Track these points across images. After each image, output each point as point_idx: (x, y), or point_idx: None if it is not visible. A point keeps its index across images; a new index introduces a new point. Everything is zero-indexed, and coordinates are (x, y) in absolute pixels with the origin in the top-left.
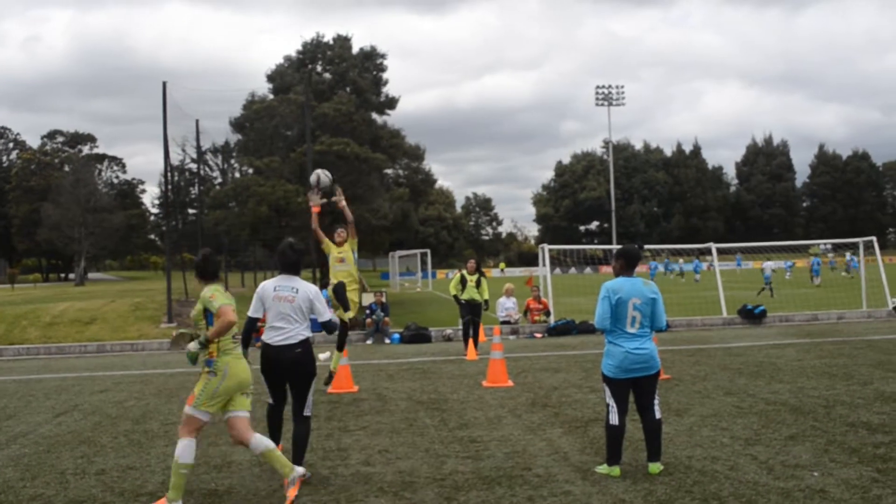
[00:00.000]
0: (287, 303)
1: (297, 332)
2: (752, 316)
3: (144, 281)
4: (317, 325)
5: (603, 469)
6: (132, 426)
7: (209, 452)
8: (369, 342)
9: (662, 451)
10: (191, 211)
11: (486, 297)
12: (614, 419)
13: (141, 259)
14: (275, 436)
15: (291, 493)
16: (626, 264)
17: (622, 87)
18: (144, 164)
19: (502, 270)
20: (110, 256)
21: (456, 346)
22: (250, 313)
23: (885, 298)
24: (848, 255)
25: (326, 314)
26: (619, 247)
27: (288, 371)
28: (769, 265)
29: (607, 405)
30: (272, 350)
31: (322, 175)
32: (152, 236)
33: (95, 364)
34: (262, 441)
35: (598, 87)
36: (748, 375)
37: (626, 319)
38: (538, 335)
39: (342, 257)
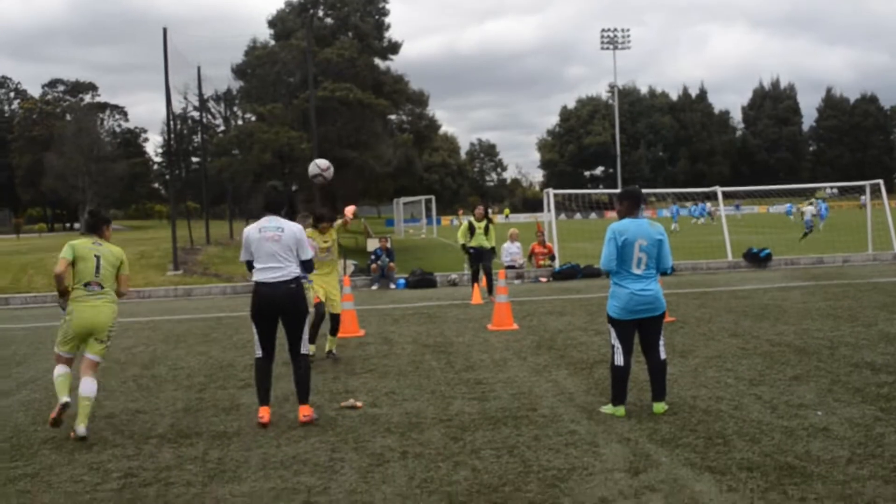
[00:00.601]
0: (274, 242)
1: (289, 269)
2: (757, 259)
3: (149, 230)
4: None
5: (608, 409)
6: (140, 371)
7: (217, 396)
8: (374, 287)
9: (667, 391)
10: (194, 159)
11: (493, 244)
12: (619, 360)
13: (145, 208)
14: (264, 394)
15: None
16: (631, 205)
17: (628, 30)
18: (147, 113)
19: (507, 216)
20: (114, 206)
21: (461, 290)
22: (241, 258)
23: (891, 241)
24: (816, 202)
25: (310, 253)
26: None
27: (281, 307)
28: (810, 209)
29: (612, 346)
30: (265, 287)
31: (312, 167)
32: (156, 185)
33: None
34: (86, 386)
35: (603, 30)
36: (753, 317)
37: (631, 261)
38: (543, 279)
39: (328, 247)
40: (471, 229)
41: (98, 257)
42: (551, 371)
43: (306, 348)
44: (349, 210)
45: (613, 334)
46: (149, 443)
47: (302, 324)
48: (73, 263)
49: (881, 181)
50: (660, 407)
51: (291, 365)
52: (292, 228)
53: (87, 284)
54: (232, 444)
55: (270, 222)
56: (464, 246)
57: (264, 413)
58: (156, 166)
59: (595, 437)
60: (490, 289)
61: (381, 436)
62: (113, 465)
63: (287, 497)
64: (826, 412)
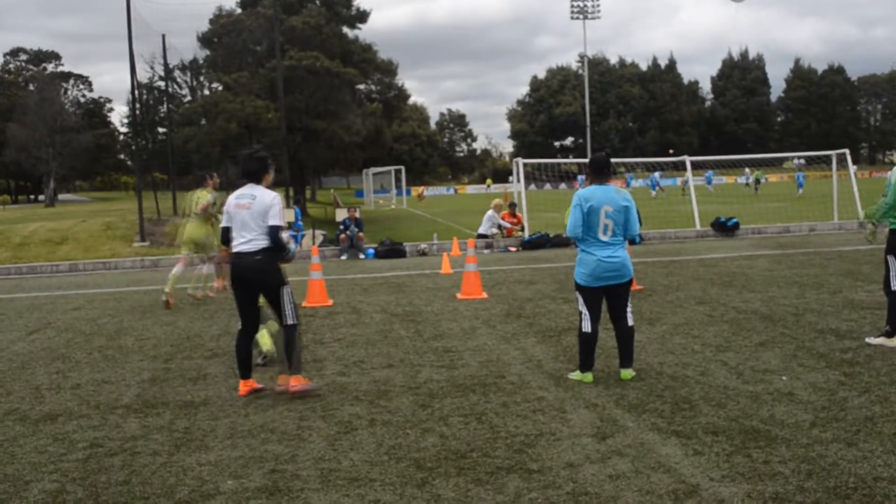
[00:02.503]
0: (245, 210)
1: (256, 239)
2: (725, 228)
3: (115, 201)
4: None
5: (576, 375)
6: (106, 342)
7: (184, 366)
8: (344, 257)
9: (634, 357)
10: (161, 129)
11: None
12: (587, 326)
13: (111, 179)
14: (242, 368)
15: None
16: (594, 172)
17: (598, 0)
18: (112, 83)
19: (489, 186)
20: (80, 177)
21: (430, 260)
22: (222, 224)
23: (857, 211)
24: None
25: (275, 220)
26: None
27: (251, 280)
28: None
29: (580, 313)
30: (235, 257)
31: None
32: (122, 156)
33: (68, 283)
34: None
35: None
36: (720, 285)
37: (598, 227)
38: (512, 249)
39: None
40: None
41: None
42: (520, 339)
43: (292, 318)
44: None
45: (581, 301)
46: (115, 413)
47: (277, 295)
48: None
49: (847, 151)
50: (627, 373)
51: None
52: (265, 197)
53: None
54: (199, 414)
55: (246, 190)
56: None
57: (243, 386)
58: (122, 137)
59: (563, 404)
60: None
61: (350, 404)
62: (78, 435)
63: (254, 465)
64: (791, 377)
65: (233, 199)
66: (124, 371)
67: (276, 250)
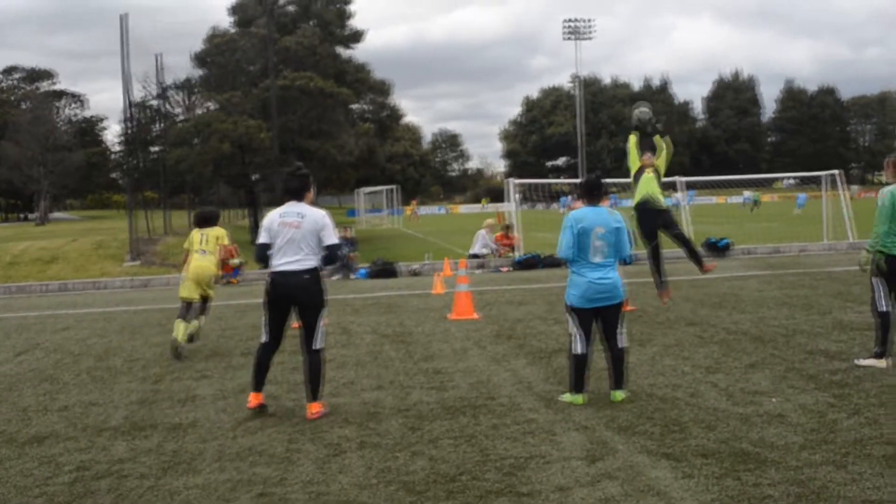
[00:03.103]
0: (293, 228)
1: (305, 258)
2: (716, 248)
3: (107, 220)
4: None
5: (567, 397)
6: (95, 363)
7: (173, 388)
8: (335, 277)
9: (626, 379)
10: (153, 148)
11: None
12: (578, 348)
13: (103, 198)
14: (259, 379)
15: None
16: (586, 193)
17: (591, 20)
18: (108, 101)
19: (484, 206)
20: (71, 195)
21: (422, 280)
22: (259, 241)
23: (847, 231)
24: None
25: (332, 238)
26: None
27: (294, 298)
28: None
29: (571, 335)
30: (278, 276)
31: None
32: (114, 175)
33: (57, 302)
34: None
35: (565, 20)
36: (710, 306)
37: (589, 249)
38: (504, 269)
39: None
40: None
41: None
42: (510, 360)
43: (321, 343)
44: None
45: (572, 323)
46: (102, 435)
47: (316, 316)
48: None
49: (838, 172)
50: (618, 395)
51: (303, 356)
52: (314, 215)
53: None
54: (187, 436)
55: (291, 208)
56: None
57: (253, 399)
58: (114, 156)
59: (553, 426)
60: (697, 260)
61: (339, 426)
62: (65, 458)
63: (243, 488)
64: (781, 399)
65: (276, 216)
66: (113, 392)
67: (318, 272)
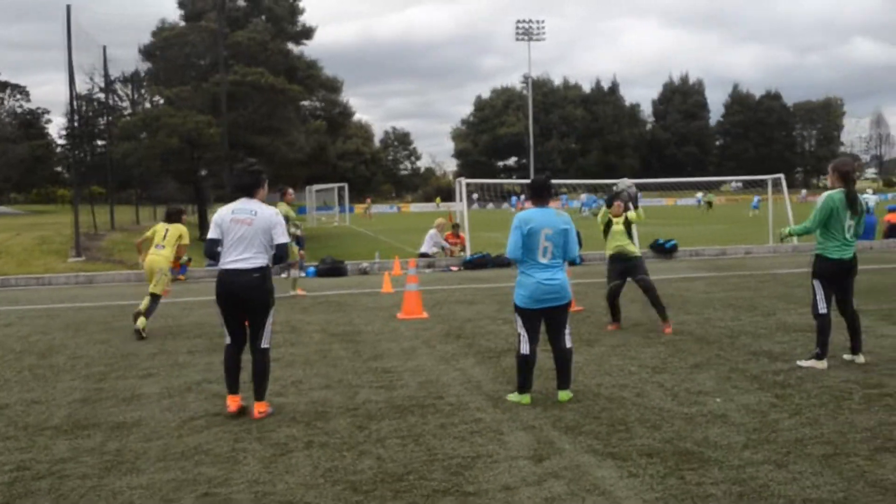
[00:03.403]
0: (245, 225)
1: (255, 256)
2: (663, 250)
3: (51, 214)
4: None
5: (513, 397)
6: (37, 360)
7: (117, 386)
8: (284, 276)
9: (572, 379)
10: (99, 142)
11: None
12: (525, 348)
13: (48, 192)
14: (232, 381)
15: None
16: (534, 194)
17: (542, 21)
18: (52, 94)
19: (438, 205)
20: (15, 189)
21: (371, 279)
22: (210, 236)
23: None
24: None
25: (283, 237)
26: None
27: (243, 298)
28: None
29: (518, 334)
30: (227, 275)
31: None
32: (59, 168)
33: None
34: None
35: (518, 21)
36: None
37: (537, 250)
38: (454, 268)
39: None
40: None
41: None
42: (459, 360)
43: (268, 342)
44: None
45: (519, 323)
46: (43, 434)
47: (265, 317)
48: None
49: (782, 175)
50: (565, 395)
51: (251, 355)
52: (267, 213)
53: None
54: (131, 436)
55: (244, 205)
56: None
57: (231, 402)
58: (59, 149)
59: (500, 425)
60: (660, 311)
61: (286, 425)
62: (4, 457)
63: (186, 488)
64: (724, 399)
65: (228, 212)
66: (55, 391)
67: (268, 271)
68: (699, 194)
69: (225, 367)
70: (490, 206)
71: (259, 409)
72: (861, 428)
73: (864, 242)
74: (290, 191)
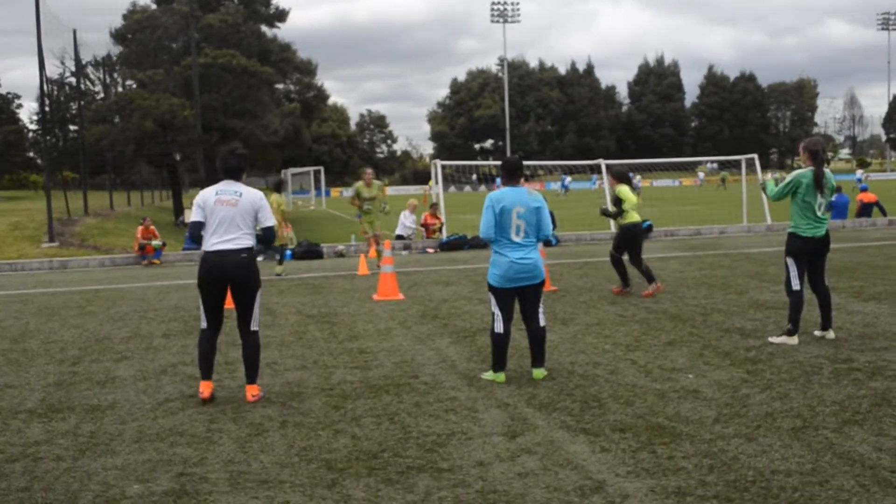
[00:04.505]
0: (230, 207)
1: (242, 237)
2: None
3: (24, 200)
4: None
5: (488, 375)
6: (10, 345)
7: (92, 369)
8: (260, 259)
9: (546, 357)
10: (72, 127)
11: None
12: (499, 327)
13: (20, 178)
14: (206, 367)
15: None
16: (507, 174)
17: (517, 3)
18: (21, 79)
19: (430, 187)
20: None
21: (348, 261)
22: (193, 218)
23: (765, 214)
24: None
25: (270, 220)
26: None
27: (230, 278)
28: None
29: (493, 314)
30: (214, 255)
31: None
32: (31, 154)
33: None
34: None
35: (493, 3)
36: (632, 286)
37: (510, 228)
38: (430, 250)
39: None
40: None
41: None
42: (434, 339)
43: (257, 324)
44: None
45: (494, 302)
46: (17, 418)
47: (252, 298)
48: None
49: (755, 156)
50: (539, 373)
51: (241, 339)
52: (252, 195)
53: None
54: (106, 418)
55: (228, 186)
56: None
57: (205, 388)
58: (31, 134)
59: (475, 403)
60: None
61: (262, 406)
62: None
63: (162, 469)
64: (696, 375)
65: (211, 194)
66: (29, 375)
67: (254, 252)
68: (701, 174)
69: (199, 351)
70: (467, 188)
71: (252, 392)
72: (830, 402)
73: (836, 221)
74: (370, 171)
